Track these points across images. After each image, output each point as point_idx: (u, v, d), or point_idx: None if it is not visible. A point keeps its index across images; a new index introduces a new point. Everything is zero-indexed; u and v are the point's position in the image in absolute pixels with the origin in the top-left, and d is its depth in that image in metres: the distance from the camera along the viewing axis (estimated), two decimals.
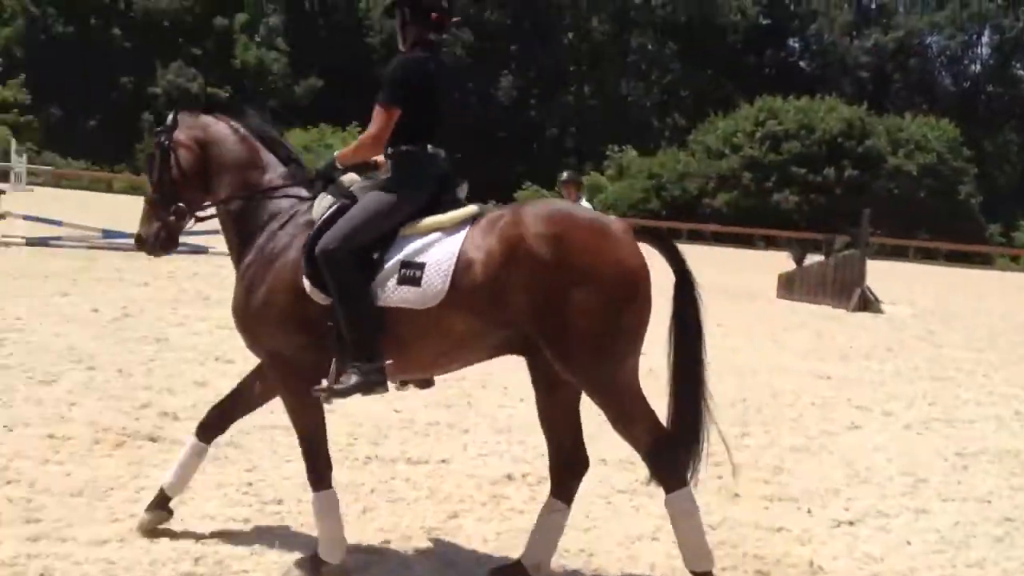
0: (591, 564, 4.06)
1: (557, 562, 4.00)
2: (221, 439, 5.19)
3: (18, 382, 6.05)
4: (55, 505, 4.10)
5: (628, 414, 3.67)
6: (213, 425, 4.19)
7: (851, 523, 4.79)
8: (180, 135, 4.05)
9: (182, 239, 10.94)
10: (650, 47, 55.98)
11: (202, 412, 5.73)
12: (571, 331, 3.51)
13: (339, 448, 5.31)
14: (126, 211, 25.76)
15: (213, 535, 3.96)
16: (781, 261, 19.40)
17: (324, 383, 3.70)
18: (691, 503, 3.68)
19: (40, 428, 5.13)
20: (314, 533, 4.07)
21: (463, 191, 4.07)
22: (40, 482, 4.34)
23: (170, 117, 4.14)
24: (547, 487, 4.90)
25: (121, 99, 56.20)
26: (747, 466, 5.60)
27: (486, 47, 54.55)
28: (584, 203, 9.59)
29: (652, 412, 3.72)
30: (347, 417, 6.00)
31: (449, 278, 3.57)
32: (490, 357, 3.85)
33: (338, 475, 4.81)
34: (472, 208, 3.85)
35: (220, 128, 4.09)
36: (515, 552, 4.06)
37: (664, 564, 4.11)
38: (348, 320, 3.61)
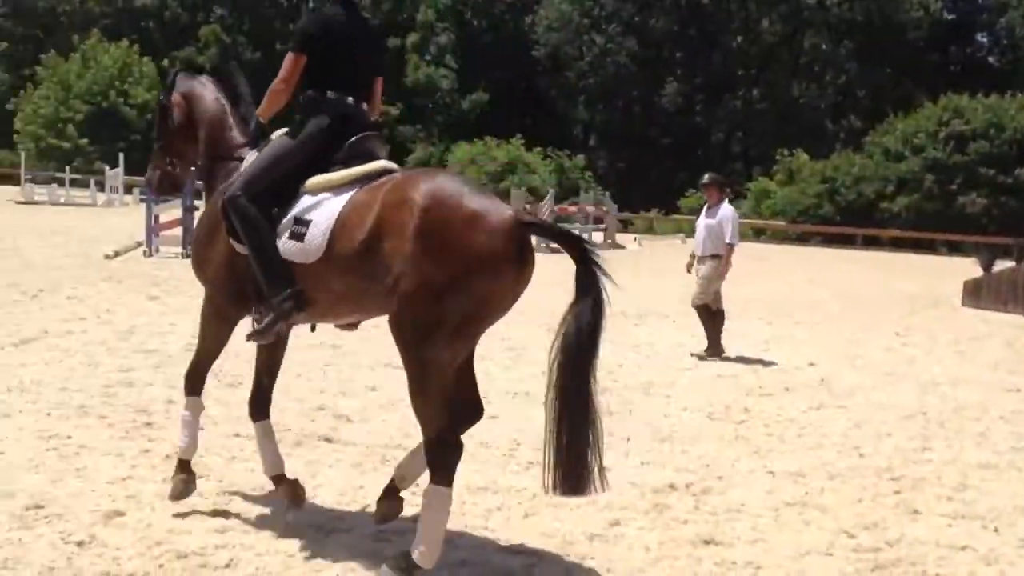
0: None
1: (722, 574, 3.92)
2: (389, 442, 5.44)
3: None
4: (240, 500, 4.38)
5: (427, 396, 3.65)
6: (259, 404, 4.48)
7: None
8: (174, 94, 4.46)
9: None
10: (824, 47, 53.92)
11: (373, 415, 6.03)
12: (409, 301, 3.51)
13: (502, 453, 5.42)
14: None
15: (384, 533, 4.10)
16: (966, 267, 18.24)
17: (253, 328, 4.07)
18: (446, 504, 3.65)
19: (227, 427, 5.49)
20: (478, 532, 4.18)
21: (383, 150, 4.16)
22: (227, 478, 4.64)
23: (170, 78, 4.58)
24: (713, 498, 4.83)
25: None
26: (928, 482, 5.31)
27: (651, 55, 54.18)
28: (726, 206, 9.35)
29: (447, 406, 3.68)
30: (509, 423, 6.11)
31: (327, 237, 3.73)
32: (387, 311, 3.75)
33: (501, 479, 4.93)
34: (363, 169, 3.93)
35: (203, 89, 4.46)
36: (679, 562, 4.01)
37: None
38: (256, 263, 3.89)
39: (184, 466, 4.21)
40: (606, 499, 4.73)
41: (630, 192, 44.55)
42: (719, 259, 9.15)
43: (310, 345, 8.15)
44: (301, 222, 3.83)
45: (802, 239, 40.22)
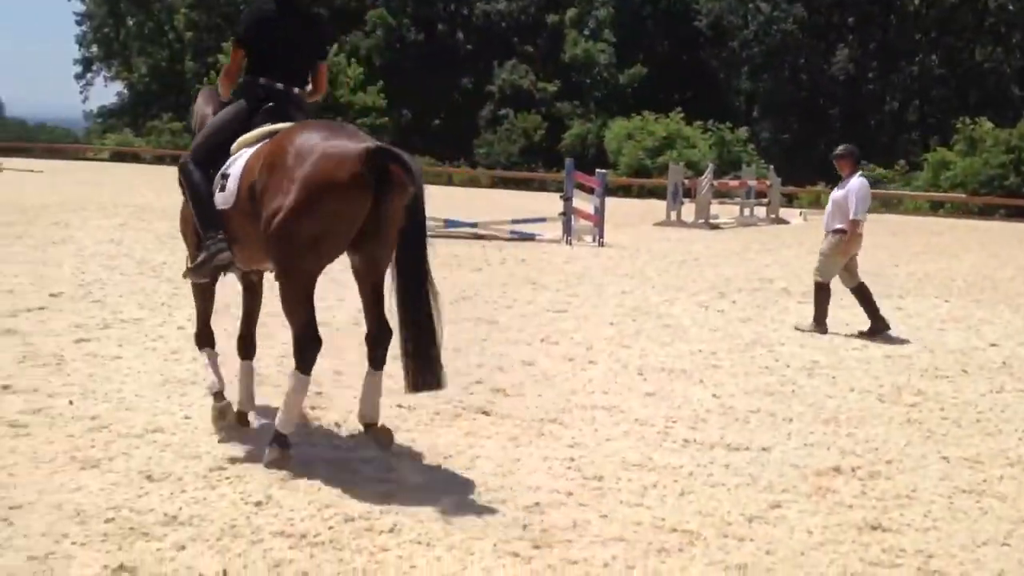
0: (929, 566, 3.76)
1: (892, 561, 3.78)
2: (544, 416, 5.52)
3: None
4: (403, 467, 4.56)
5: (293, 301, 4.39)
6: (246, 345, 5.24)
7: None
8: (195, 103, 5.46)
9: (515, 227, 12.33)
10: (1010, 7, 49.92)
11: (529, 389, 6.13)
12: (277, 221, 4.22)
13: (657, 431, 5.40)
14: (464, 202, 27.71)
15: (538, 505, 4.18)
16: None
17: (187, 267, 4.97)
18: (304, 386, 4.52)
19: (390, 398, 5.70)
20: (633, 509, 4.19)
21: (302, 115, 4.92)
22: (392, 447, 4.84)
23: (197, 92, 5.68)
24: (881, 483, 4.65)
25: (461, 98, 60.51)
26: None
27: (820, 21, 51.80)
28: (856, 179, 8.80)
29: (311, 311, 4.43)
30: (665, 400, 6.08)
31: (237, 184, 4.51)
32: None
33: (656, 457, 4.92)
34: (271, 127, 4.67)
35: (203, 97, 5.43)
36: (843, 547, 3.89)
37: (1016, 572, 3.73)
38: (195, 213, 4.75)
39: (219, 397, 5.04)
40: (767, 480, 4.65)
41: (795, 165, 42.86)
42: (842, 234, 8.72)
43: (467, 320, 8.40)
44: (225, 176, 4.65)
45: (984, 212, 37.60)
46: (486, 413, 5.58)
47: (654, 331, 8.45)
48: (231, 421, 5.00)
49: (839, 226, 8.78)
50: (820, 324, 8.87)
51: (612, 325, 8.64)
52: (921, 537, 4.04)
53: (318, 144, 4.27)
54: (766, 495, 4.46)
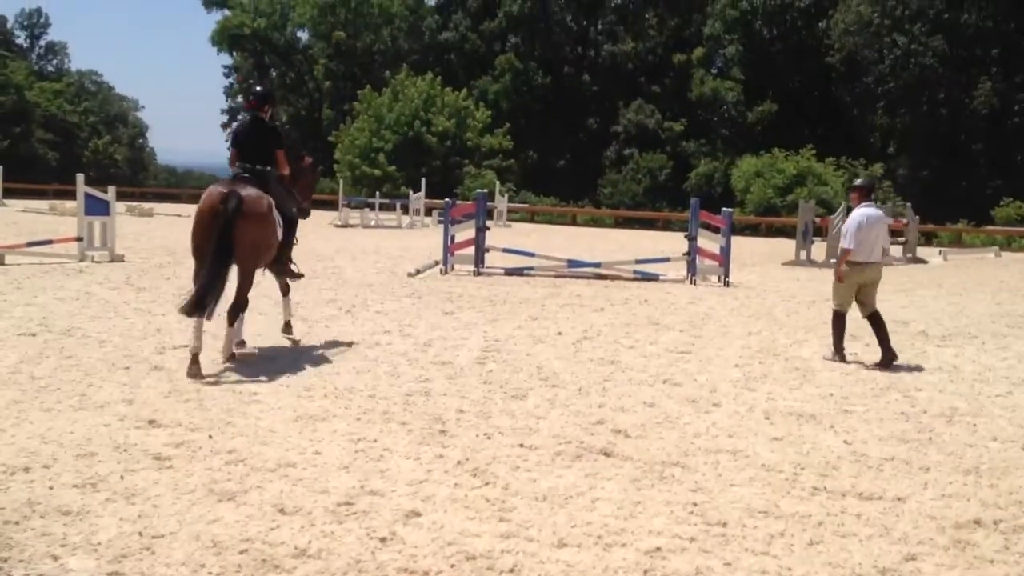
0: None
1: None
2: (667, 459, 5.46)
3: (496, 396, 6.89)
4: (523, 507, 4.60)
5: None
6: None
7: None
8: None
9: (639, 267, 13.10)
10: None
11: (651, 431, 6.07)
12: None
13: (785, 477, 5.25)
14: (587, 241, 27.70)
15: (659, 550, 4.13)
16: None
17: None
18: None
19: (512, 438, 5.78)
20: (758, 557, 4.09)
21: (258, 179, 7.92)
22: (512, 486, 4.89)
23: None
24: None
25: (587, 139, 60.92)
26: None
27: (961, 54, 49.76)
28: (855, 211, 9.15)
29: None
30: (793, 446, 5.91)
31: None
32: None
33: (783, 504, 4.79)
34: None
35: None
36: None
37: None
38: None
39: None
40: (901, 531, 4.47)
41: (935, 203, 41.07)
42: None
43: (589, 360, 8.41)
44: None
45: None
46: (607, 454, 5.55)
47: (782, 374, 8.24)
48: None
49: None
50: (838, 352, 9.06)
51: (737, 367, 8.47)
52: None
53: (211, 188, 7.55)
54: (900, 547, 4.28)
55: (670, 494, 4.90)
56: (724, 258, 16.38)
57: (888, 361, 8.77)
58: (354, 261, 17.80)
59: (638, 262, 17.02)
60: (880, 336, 8.92)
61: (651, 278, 16.40)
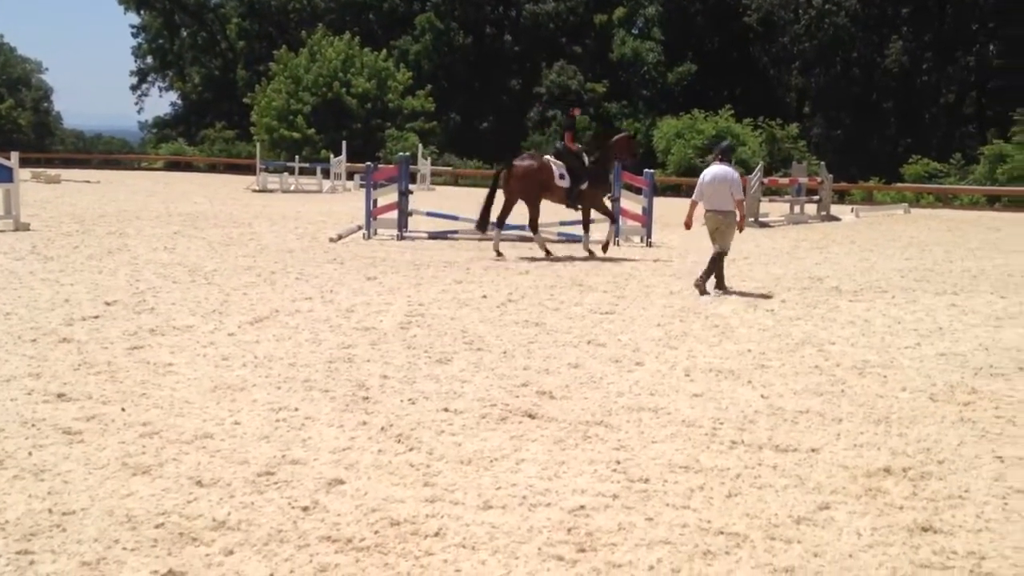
0: (982, 568, 3.68)
1: (939, 562, 3.70)
2: (591, 419, 5.50)
3: (420, 361, 6.85)
4: (448, 471, 4.59)
5: None
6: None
7: None
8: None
9: (563, 229, 14.70)
10: None
11: (575, 392, 6.12)
12: None
13: (704, 432, 5.36)
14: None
15: (583, 508, 4.17)
16: None
17: None
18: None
19: (436, 402, 5.76)
20: (679, 511, 4.16)
21: None
22: (437, 450, 4.88)
23: None
24: (933, 483, 4.57)
25: (510, 101, 60.65)
26: None
27: (873, 13, 50.85)
28: (715, 167, 10.75)
29: None
30: (712, 401, 6.03)
31: None
32: None
33: (703, 458, 4.89)
34: None
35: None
36: (893, 549, 3.83)
37: None
38: None
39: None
40: (815, 481, 4.59)
41: (848, 161, 42.17)
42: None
43: (514, 323, 8.43)
44: None
45: None
46: (532, 416, 5.58)
47: (702, 332, 8.38)
48: None
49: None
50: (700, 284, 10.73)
51: (659, 326, 8.59)
52: (973, 539, 3.95)
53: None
54: (814, 496, 4.40)
55: (594, 453, 4.95)
56: (646, 218, 16.54)
57: (700, 287, 10.62)
58: (273, 227, 17.45)
59: (562, 224, 17.06)
60: (708, 270, 10.77)
61: (576, 240, 16.47)
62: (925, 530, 4.02)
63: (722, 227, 10.77)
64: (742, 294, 10.66)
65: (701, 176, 10.93)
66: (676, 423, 5.54)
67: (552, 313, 9.10)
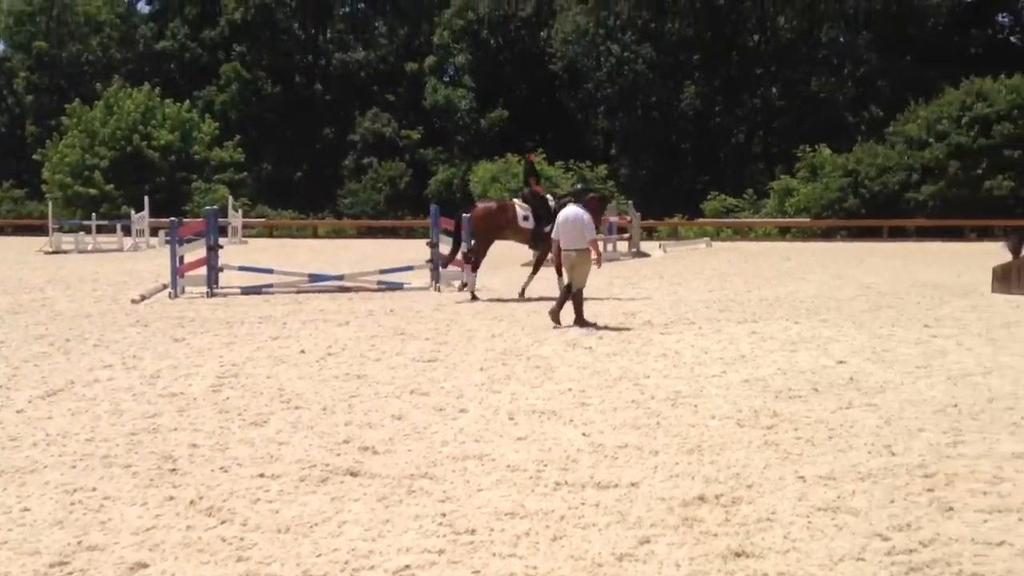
0: None
1: None
2: (415, 471, 5.41)
3: (233, 425, 6.54)
4: (264, 542, 4.36)
5: None
6: None
7: None
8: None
9: (383, 277, 15.00)
10: (841, 39, 53.41)
11: (399, 444, 6.01)
12: None
13: (529, 475, 5.37)
14: (329, 254, 27.22)
15: (408, 568, 4.07)
16: (996, 253, 17.91)
17: None
18: None
19: (251, 468, 5.50)
20: (505, 560, 4.13)
21: None
22: (251, 520, 4.63)
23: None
24: (743, 508, 4.76)
25: (323, 149, 60.01)
26: (962, 477, 5.20)
27: (668, 60, 54.03)
28: (568, 209, 11.62)
29: None
30: (536, 443, 6.07)
31: None
32: None
33: (528, 503, 4.89)
34: None
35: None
36: None
37: None
38: None
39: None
40: (636, 516, 4.69)
41: (654, 199, 44.37)
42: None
43: (334, 377, 8.22)
44: None
45: (827, 235, 39.84)
46: (354, 474, 5.41)
47: (524, 374, 8.48)
48: None
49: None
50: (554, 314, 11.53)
51: (482, 370, 8.62)
52: (782, 559, 4.13)
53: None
54: (635, 531, 4.49)
55: (419, 507, 4.85)
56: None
57: (578, 323, 11.32)
58: (68, 290, 16.34)
59: (382, 272, 16.95)
60: (560, 300, 11.65)
61: (396, 287, 16.39)
62: (738, 555, 4.17)
63: (576, 264, 11.42)
64: (563, 332, 10.90)
65: (557, 217, 11.83)
66: (501, 469, 5.53)
67: (373, 364, 8.96)
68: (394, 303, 14.20)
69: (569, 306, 11.51)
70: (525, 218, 15.31)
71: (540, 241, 15.36)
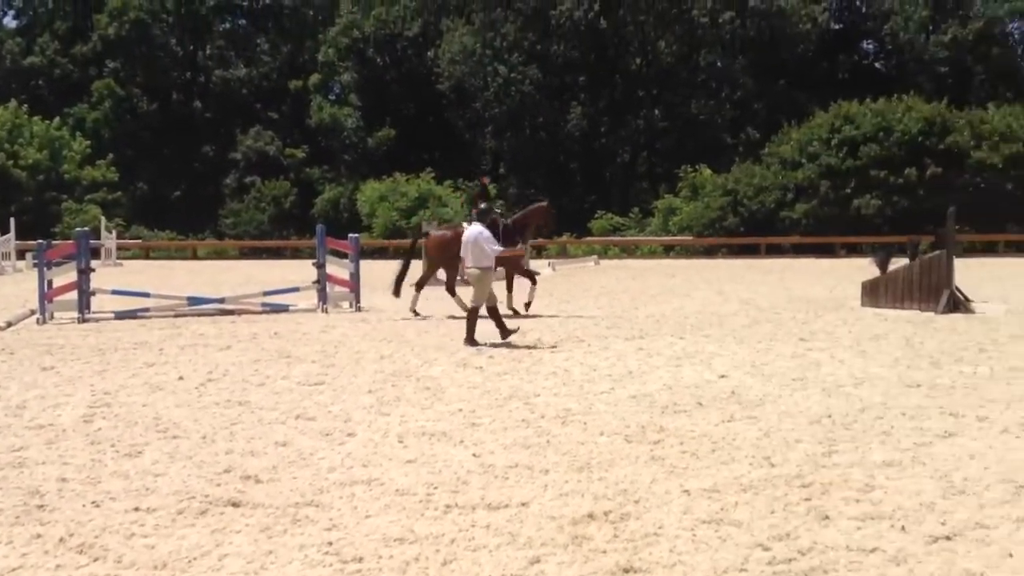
0: None
1: None
2: (300, 500, 5.27)
3: (106, 456, 6.24)
4: None
5: None
6: None
7: (948, 538, 4.54)
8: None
9: (267, 299, 14.56)
10: (719, 64, 55.38)
11: (283, 472, 5.84)
12: None
13: (419, 499, 5.31)
14: (210, 276, 26.48)
15: None
16: (864, 269, 18.83)
17: None
18: None
19: (126, 502, 5.25)
20: None
21: None
22: (126, 557, 4.41)
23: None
24: (631, 524, 4.82)
25: (204, 168, 58.40)
26: (836, 485, 5.40)
27: (554, 82, 54.88)
28: (471, 228, 12.02)
29: None
30: (426, 466, 6.01)
31: None
32: None
33: (417, 528, 4.83)
34: None
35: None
36: None
37: None
38: None
39: None
40: (526, 536, 4.68)
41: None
42: None
43: (214, 404, 7.96)
44: None
45: (709, 252, 41.13)
46: (236, 504, 5.23)
47: (414, 395, 8.40)
48: None
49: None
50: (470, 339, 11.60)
51: (371, 393, 8.50)
52: (668, 573, 4.20)
53: None
54: (525, 551, 4.48)
55: (304, 537, 4.72)
56: (354, 283, 16.48)
57: (503, 336, 11.62)
58: None
59: (266, 294, 16.55)
60: (467, 324, 11.73)
61: (281, 309, 16.03)
62: (626, 571, 4.21)
63: (477, 281, 11.66)
64: (452, 353, 10.86)
65: (463, 237, 12.21)
66: (390, 493, 5.44)
67: (257, 389, 8.71)
68: (279, 326, 13.87)
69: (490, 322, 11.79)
70: None
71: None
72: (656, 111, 55.70)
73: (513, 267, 15.72)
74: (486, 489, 5.50)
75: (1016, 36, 57.72)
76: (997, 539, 4.51)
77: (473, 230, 11.88)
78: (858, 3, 59.83)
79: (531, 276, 16.20)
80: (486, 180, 17.43)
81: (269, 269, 31.17)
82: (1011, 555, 4.31)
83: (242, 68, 61.30)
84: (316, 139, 58.31)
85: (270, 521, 4.95)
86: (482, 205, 13.77)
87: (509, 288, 15.83)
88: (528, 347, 11.33)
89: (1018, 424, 6.85)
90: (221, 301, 16.03)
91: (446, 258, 15.45)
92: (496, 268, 12.46)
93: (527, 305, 15.48)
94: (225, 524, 4.91)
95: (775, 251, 40.07)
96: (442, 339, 12.15)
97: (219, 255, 42.94)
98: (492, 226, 15.56)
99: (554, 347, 11.34)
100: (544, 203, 16.74)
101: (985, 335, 11.98)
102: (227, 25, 64.58)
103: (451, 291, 15.75)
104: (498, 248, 11.87)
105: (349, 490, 5.49)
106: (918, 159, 40.71)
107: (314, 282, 16.32)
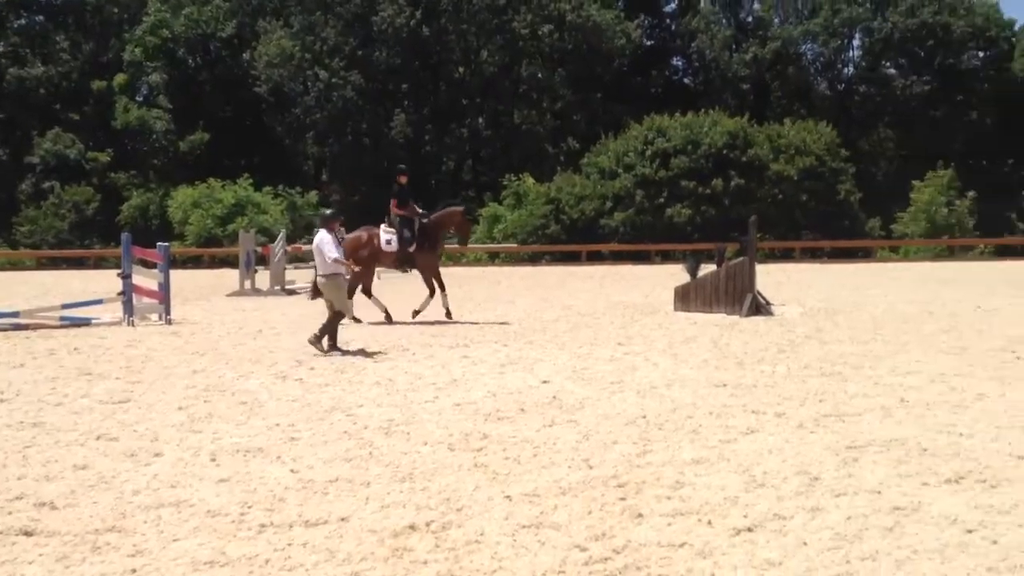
0: None
1: None
2: (101, 526, 4.94)
3: None
4: None
5: None
6: None
7: (750, 530, 4.80)
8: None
9: (67, 312, 13.88)
10: (540, 76, 56.64)
11: (82, 497, 5.46)
12: None
13: (231, 520, 5.09)
14: (4, 288, 24.52)
15: None
16: (677, 274, 19.76)
17: None
18: None
19: None
20: None
21: None
22: None
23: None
24: (453, 532, 4.81)
25: None
26: (649, 484, 5.60)
27: (377, 88, 54.40)
28: (317, 235, 11.78)
29: None
30: (240, 484, 5.77)
31: None
32: None
33: (229, 549, 4.62)
34: None
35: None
36: None
37: None
38: None
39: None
40: (345, 552, 4.58)
41: (368, 225, 44.36)
42: None
43: (8, 425, 7.36)
44: None
45: (533, 259, 42.00)
46: (28, 533, 4.85)
47: (228, 411, 8.06)
48: None
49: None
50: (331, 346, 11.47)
51: (181, 409, 8.09)
52: None
53: None
54: (344, 567, 4.38)
55: (104, 565, 4.43)
56: (164, 294, 15.68)
57: (317, 341, 11.36)
58: None
59: (65, 307, 15.49)
60: (323, 329, 11.43)
61: (83, 323, 15.03)
62: None
63: (327, 290, 11.63)
64: (270, 366, 10.52)
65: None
66: (200, 515, 5.19)
67: (54, 409, 8.11)
68: (80, 341, 13.00)
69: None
70: (388, 242, 15.28)
71: (406, 264, 15.62)
72: (480, 119, 56.31)
73: (423, 269, 15.60)
74: (304, 505, 5.35)
75: (808, 57, 62.29)
76: (793, 529, 4.82)
77: (317, 238, 11.67)
78: (668, 21, 62.98)
79: (441, 286, 15.61)
80: (403, 178, 16.27)
81: (69, 280, 29.23)
82: (806, 543, 4.61)
83: (39, 67, 57.23)
84: (122, 142, 55.23)
85: (67, 550, 4.62)
86: (332, 212, 12.96)
87: (431, 291, 15.58)
88: (352, 357, 11.14)
89: (812, 419, 7.35)
90: (15, 315, 14.86)
91: (361, 259, 14.98)
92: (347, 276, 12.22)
93: (415, 313, 15.43)
94: (17, 555, 4.54)
95: (595, 258, 41.39)
96: (259, 350, 11.76)
97: (14, 266, 39.91)
98: (409, 223, 15.47)
99: (378, 355, 11.22)
100: (460, 208, 16.39)
101: (783, 336, 12.81)
102: (22, 21, 60.13)
103: (366, 293, 15.59)
104: (336, 255, 11.60)
105: (155, 513, 5.20)
106: (724, 170, 43.18)
107: (119, 293, 15.40)
